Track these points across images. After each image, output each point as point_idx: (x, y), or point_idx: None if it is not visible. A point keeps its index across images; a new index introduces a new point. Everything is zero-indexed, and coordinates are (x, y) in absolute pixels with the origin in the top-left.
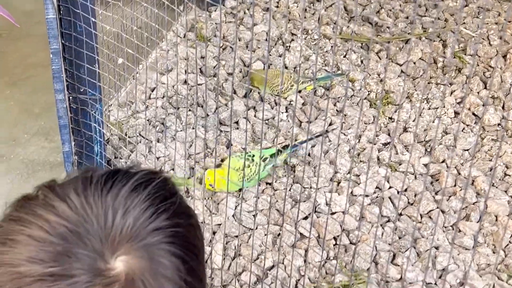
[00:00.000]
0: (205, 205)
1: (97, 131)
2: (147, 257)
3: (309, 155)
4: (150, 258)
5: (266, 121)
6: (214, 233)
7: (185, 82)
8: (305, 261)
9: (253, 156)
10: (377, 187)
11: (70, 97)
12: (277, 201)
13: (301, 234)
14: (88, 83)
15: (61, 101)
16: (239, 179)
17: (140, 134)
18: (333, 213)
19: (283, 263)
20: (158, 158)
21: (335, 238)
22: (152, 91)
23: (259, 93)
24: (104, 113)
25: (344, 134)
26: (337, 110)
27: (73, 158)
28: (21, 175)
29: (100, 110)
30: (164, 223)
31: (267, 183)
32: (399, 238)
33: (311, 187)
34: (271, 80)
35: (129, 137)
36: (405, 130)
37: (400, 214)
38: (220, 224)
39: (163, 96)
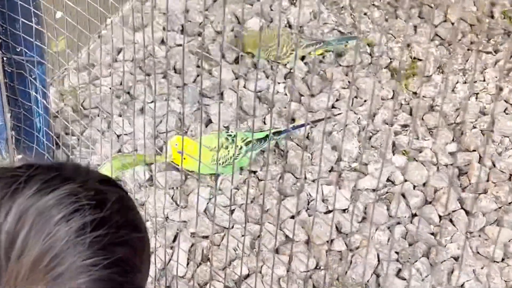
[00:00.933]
0: (171, 197)
1: (38, 101)
2: None
3: (307, 137)
4: None
5: (259, 93)
6: (178, 231)
7: (162, 41)
8: (287, 270)
9: (234, 136)
10: (388, 180)
11: (4, 58)
12: (261, 194)
13: (286, 236)
14: (25, 42)
15: None
16: (212, 160)
17: (98, 106)
18: (328, 212)
19: (260, 272)
20: (118, 136)
21: (330, 243)
22: (119, 53)
23: (253, 57)
24: (57, 79)
25: (355, 113)
26: (348, 81)
27: (9, 134)
28: None
29: (40, 76)
30: (86, 261)
31: (250, 172)
32: (409, 245)
33: (305, 178)
34: (267, 42)
35: (85, 108)
36: (431, 108)
37: (414, 215)
38: (187, 221)
39: (132, 59)
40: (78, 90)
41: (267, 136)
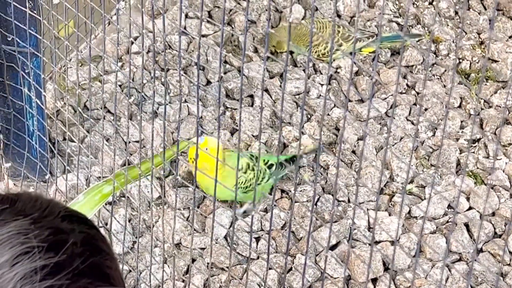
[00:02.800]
0: (187, 219)
1: (31, 100)
2: None
3: (353, 151)
4: None
5: (296, 96)
6: (193, 260)
7: (184, 30)
8: None
9: (256, 158)
10: (449, 207)
11: None
12: (295, 218)
13: (323, 271)
14: (17, 30)
15: None
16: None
17: (105, 107)
18: (375, 243)
19: None
20: (127, 143)
21: (374, 281)
22: (133, 43)
23: (291, 54)
24: (55, 74)
25: (412, 123)
26: (407, 84)
27: None
28: None
29: (35, 70)
30: None
31: (282, 191)
32: (475, 286)
33: (349, 201)
34: (307, 36)
35: (88, 109)
36: (507, 121)
37: (480, 251)
38: (204, 248)
39: (148, 51)
40: (79, 87)
41: (291, 158)
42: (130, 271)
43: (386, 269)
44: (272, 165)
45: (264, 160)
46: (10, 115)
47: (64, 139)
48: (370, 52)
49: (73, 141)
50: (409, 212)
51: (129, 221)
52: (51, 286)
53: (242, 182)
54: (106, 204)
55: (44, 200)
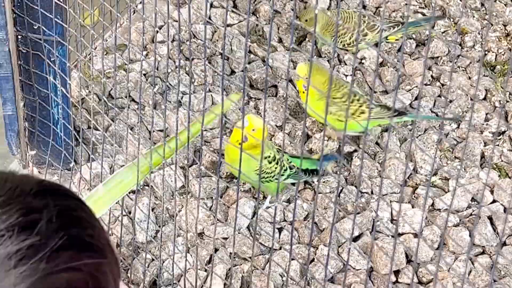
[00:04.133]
0: (210, 208)
1: (56, 89)
2: None
3: (377, 143)
4: None
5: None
6: (216, 250)
7: (209, 19)
8: None
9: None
10: (473, 200)
11: (20, 37)
12: (317, 209)
13: (346, 262)
14: (43, 18)
15: (1, 41)
16: (256, 170)
17: (130, 95)
18: (398, 235)
19: None
20: (151, 132)
21: (396, 273)
22: (158, 32)
23: (316, 44)
24: (82, 62)
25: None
26: (432, 76)
27: (22, 125)
28: None
29: (60, 59)
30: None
31: (305, 182)
32: (498, 280)
33: (372, 193)
34: (333, 25)
35: (112, 98)
36: None
37: (504, 244)
38: (226, 238)
39: (173, 40)
40: (104, 76)
41: (312, 171)
42: (153, 260)
43: (408, 261)
44: (294, 166)
45: (288, 159)
46: (36, 103)
47: (89, 127)
48: (396, 39)
49: (97, 130)
50: (432, 204)
51: (153, 210)
52: (26, 270)
53: (263, 170)
54: (129, 193)
55: (15, 179)
